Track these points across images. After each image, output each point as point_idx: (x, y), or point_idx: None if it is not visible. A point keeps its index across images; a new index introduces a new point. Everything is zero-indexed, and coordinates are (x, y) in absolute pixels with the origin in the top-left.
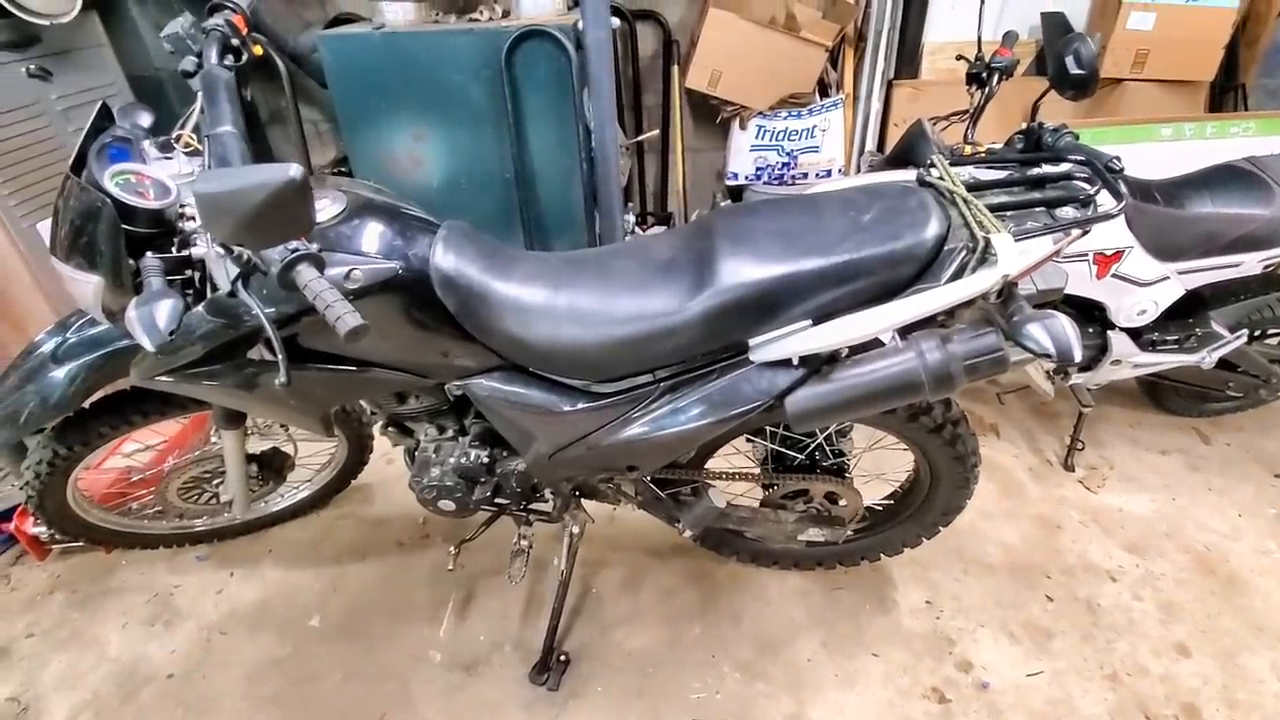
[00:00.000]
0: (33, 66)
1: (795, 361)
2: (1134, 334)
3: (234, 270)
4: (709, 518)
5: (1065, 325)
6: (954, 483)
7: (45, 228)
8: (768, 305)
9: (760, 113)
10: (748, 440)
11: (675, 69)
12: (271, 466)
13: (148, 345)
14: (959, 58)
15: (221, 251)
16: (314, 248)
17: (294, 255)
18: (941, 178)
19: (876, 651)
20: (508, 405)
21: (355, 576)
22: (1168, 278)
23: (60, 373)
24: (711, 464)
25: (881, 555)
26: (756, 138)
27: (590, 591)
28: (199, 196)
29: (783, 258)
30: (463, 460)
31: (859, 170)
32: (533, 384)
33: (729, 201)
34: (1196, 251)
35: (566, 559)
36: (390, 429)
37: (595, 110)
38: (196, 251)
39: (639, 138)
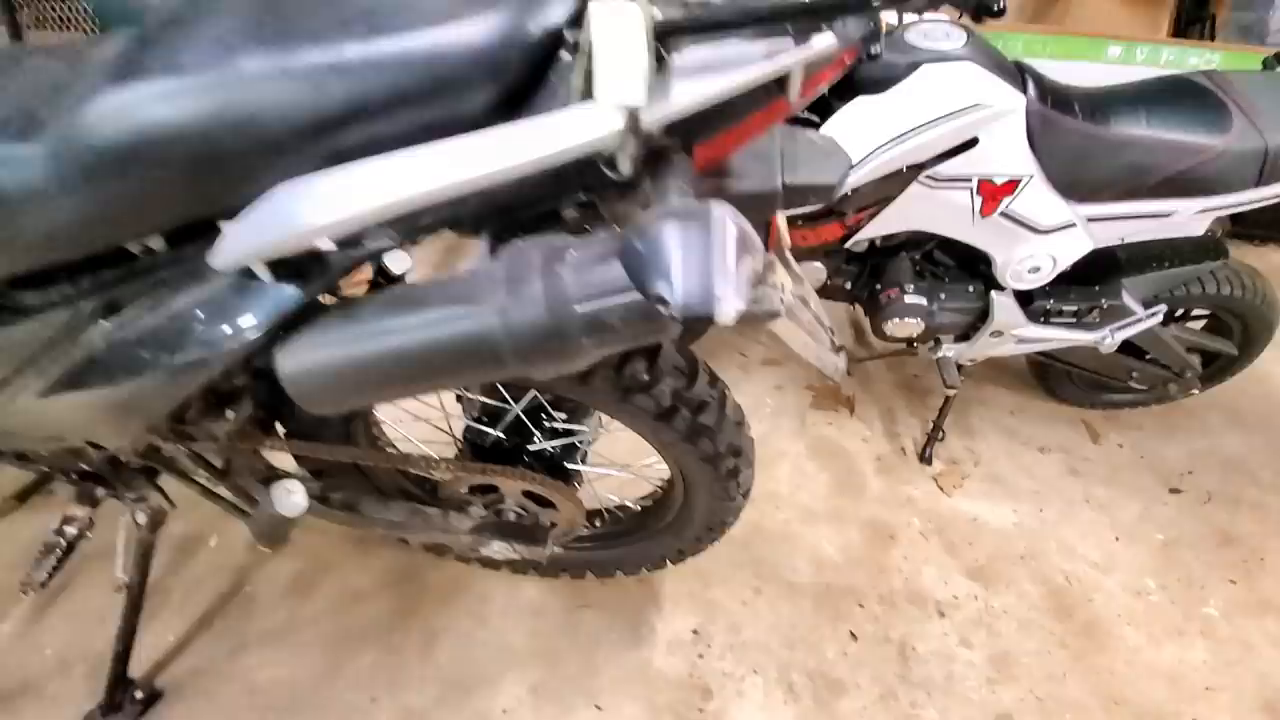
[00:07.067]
0: None
1: (262, 272)
2: (1023, 299)
3: None
4: (275, 524)
5: (724, 231)
6: (711, 493)
7: None
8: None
9: None
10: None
11: None
12: None
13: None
14: None
15: None
16: None
17: None
18: None
19: (601, 703)
20: None
21: None
22: (1073, 225)
23: None
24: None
25: (618, 572)
26: None
27: (241, 590)
28: None
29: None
30: None
31: None
32: None
33: None
34: (1116, 190)
35: (129, 563)
36: None
37: None
38: None
39: None
